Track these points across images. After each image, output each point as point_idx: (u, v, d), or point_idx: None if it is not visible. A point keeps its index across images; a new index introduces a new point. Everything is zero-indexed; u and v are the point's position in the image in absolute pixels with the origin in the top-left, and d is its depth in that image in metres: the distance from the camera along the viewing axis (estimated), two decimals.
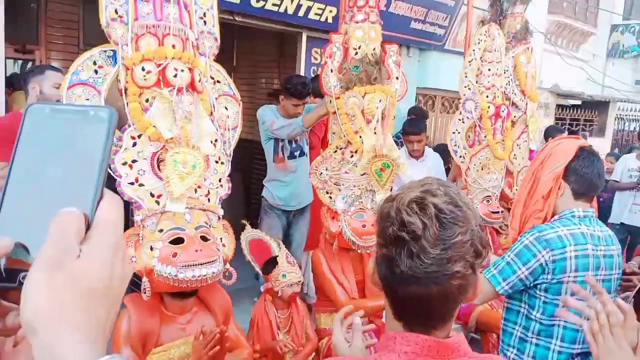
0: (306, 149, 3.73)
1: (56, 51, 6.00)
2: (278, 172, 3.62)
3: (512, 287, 1.96)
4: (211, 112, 2.17)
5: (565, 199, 2.00)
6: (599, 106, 9.66)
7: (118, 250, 0.50)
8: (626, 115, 11.00)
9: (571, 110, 9.30)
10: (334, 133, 2.81)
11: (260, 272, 2.60)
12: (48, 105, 0.52)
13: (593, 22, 11.92)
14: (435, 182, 0.97)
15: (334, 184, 2.72)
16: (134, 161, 1.92)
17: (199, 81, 2.07)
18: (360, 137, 2.66)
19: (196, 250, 1.86)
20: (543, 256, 1.89)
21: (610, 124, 9.83)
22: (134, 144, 1.93)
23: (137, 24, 1.97)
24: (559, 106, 9.08)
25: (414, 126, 4.07)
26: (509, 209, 3.96)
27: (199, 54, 2.17)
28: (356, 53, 2.67)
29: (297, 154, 3.64)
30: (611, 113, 9.88)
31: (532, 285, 1.94)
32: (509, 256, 1.99)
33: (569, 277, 1.87)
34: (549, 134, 5.67)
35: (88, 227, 0.49)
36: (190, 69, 2.01)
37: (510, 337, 2.06)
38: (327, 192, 2.73)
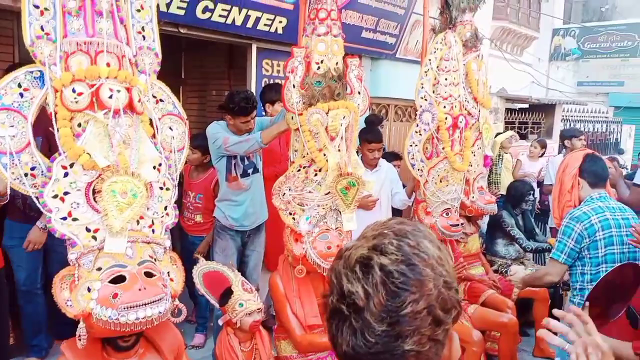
0: (260, 165, 3.58)
1: None
2: (230, 191, 3.43)
3: (568, 256, 2.76)
4: (154, 134, 2.00)
5: (585, 189, 2.88)
6: (546, 108, 9.94)
7: None
8: (571, 116, 11.38)
9: (519, 114, 9.52)
10: (296, 151, 2.70)
11: (217, 305, 2.43)
12: None
13: (535, 27, 12.31)
14: (394, 230, 0.79)
15: (298, 204, 2.60)
16: (65, 193, 1.73)
17: (139, 101, 1.90)
18: (325, 155, 2.55)
19: (139, 289, 1.69)
20: (578, 228, 2.71)
21: (557, 125, 10.12)
22: (66, 174, 1.74)
23: (67, 41, 1.80)
24: (507, 110, 9.27)
25: (376, 134, 3.95)
26: (467, 217, 3.96)
27: (138, 71, 2.01)
28: (318, 67, 2.58)
29: (250, 171, 3.47)
30: (557, 115, 10.18)
31: (579, 250, 2.74)
32: (558, 237, 2.82)
33: (600, 235, 2.70)
34: (564, 136, 6.08)
35: None
36: (128, 89, 1.85)
37: (574, 290, 2.85)
38: (291, 214, 2.61)
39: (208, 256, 3.50)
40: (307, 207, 2.61)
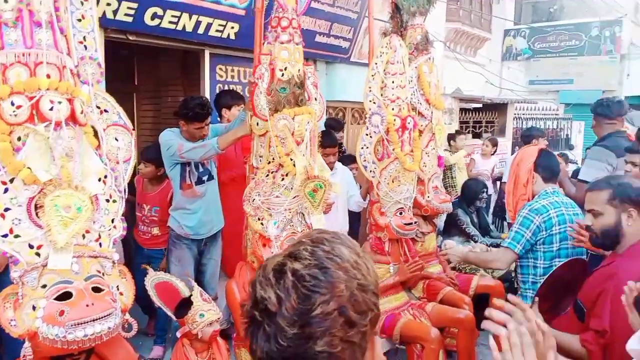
0: (214, 172, 3.55)
1: None
2: (184, 199, 3.40)
3: (524, 247, 2.86)
4: (98, 146, 1.97)
5: (539, 184, 2.99)
6: (499, 108, 10.22)
7: None
8: (523, 114, 11.74)
9: (473, 113, 9.76)
10: (260, 156, 2.73)
11: (173, 317, 2.40)
12: None
13: (487, 28, 12.62)
14: (312, 238, 0.81)
15: (266, 209, 2.63)
16: (6, 209, 1.68)
17: (81, 112, 1.87)
18: (292, 159, 2.60)
19: (87, 305, 1.65)
20: (537, 220, 2.82)
21: (509, 124, 10.43)
22: (6, 190, 1.69)
23: (4, 53, 1.75)
24: (462, 110, 9.49)
25: (331, 138, 4.00)
26: (423, 217, 4.03)
27: (81, 82, 1.97)
28: (282, 74, 2.62)
29: (205, 178, 3.45)
30: (509, 114, 10.48)
31: (534, 242, 2.84)
32: (515, 227, 2.89)
33: (556, 229, 2.81)
34: (532, 135, 6.13)
35: None
36: (69, 100, 1.82)
37: (526, 284, 2.96)
38: (259, 219, 2.63)
39: None
40: (275, 212, 2.64)
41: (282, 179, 2.65)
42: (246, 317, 0.77)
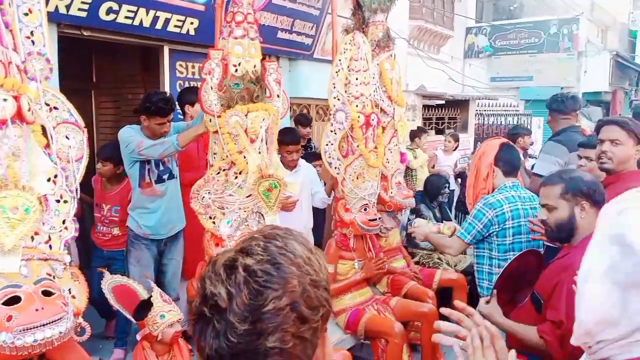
0: (176, 171, 3.48)
1: None
2: (144, 198, 3.31)
3: (474, 237, 2.97)
4: (47, 144, 1.90)
5: (499, 177, 3.04)
6: (461, 104, 10.39)
7: None
8: (485, 110, 11.98)
9: (436, 110, 9.89)
10: (215, 154, 2.66)
11: (133, 320, 2.34)
12: None
13: (450, 26, 12.82)
14: (264, 234, 0.80)
15: (218, 207, 2.56)
16: None
17: (29, 110, 1.79)
18: (245, 157, 2.54)
19: (37, 310, 1.59)
20: (490, 214, 2.89)
21: (471, 120, 10.61)
22: None
23: None
24: (425, 106, 9.60)
25: (293, 135, 3.96)
26: (387, 212, 4.06)
27: (28, 78, 1.89)
28: (236, 70, 2.57)
29: (165, 177, 3.37)
30: (471, 110, 10.67)
31: (487, 234, 2.94)
32: (469, 219, 3.01)
33: (509, 224, 2.89)
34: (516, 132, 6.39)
35: None
36: (16, 97, 1.74)
37: (482, 273, 3.06)
38: (211, 217, 2.57)
39: None
40: (228, 211, 2.59)
41: (235, 177, 2.60)
42: (194, 313, 0.75)
